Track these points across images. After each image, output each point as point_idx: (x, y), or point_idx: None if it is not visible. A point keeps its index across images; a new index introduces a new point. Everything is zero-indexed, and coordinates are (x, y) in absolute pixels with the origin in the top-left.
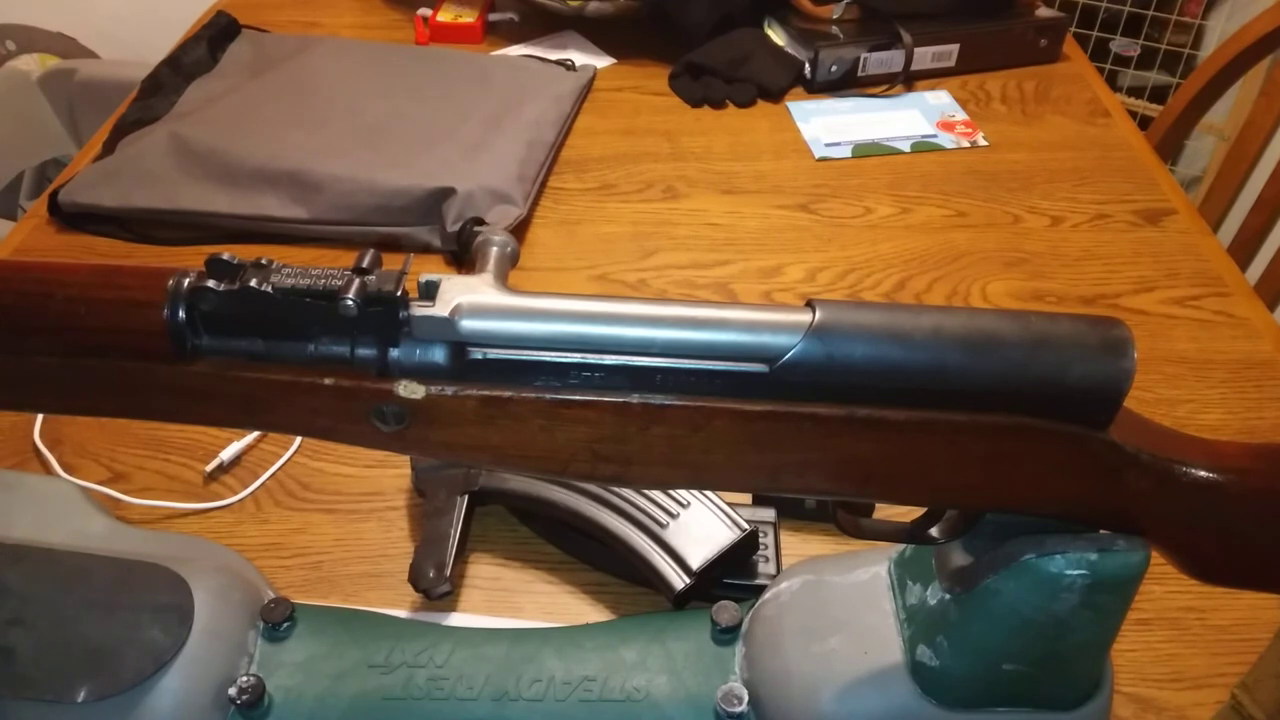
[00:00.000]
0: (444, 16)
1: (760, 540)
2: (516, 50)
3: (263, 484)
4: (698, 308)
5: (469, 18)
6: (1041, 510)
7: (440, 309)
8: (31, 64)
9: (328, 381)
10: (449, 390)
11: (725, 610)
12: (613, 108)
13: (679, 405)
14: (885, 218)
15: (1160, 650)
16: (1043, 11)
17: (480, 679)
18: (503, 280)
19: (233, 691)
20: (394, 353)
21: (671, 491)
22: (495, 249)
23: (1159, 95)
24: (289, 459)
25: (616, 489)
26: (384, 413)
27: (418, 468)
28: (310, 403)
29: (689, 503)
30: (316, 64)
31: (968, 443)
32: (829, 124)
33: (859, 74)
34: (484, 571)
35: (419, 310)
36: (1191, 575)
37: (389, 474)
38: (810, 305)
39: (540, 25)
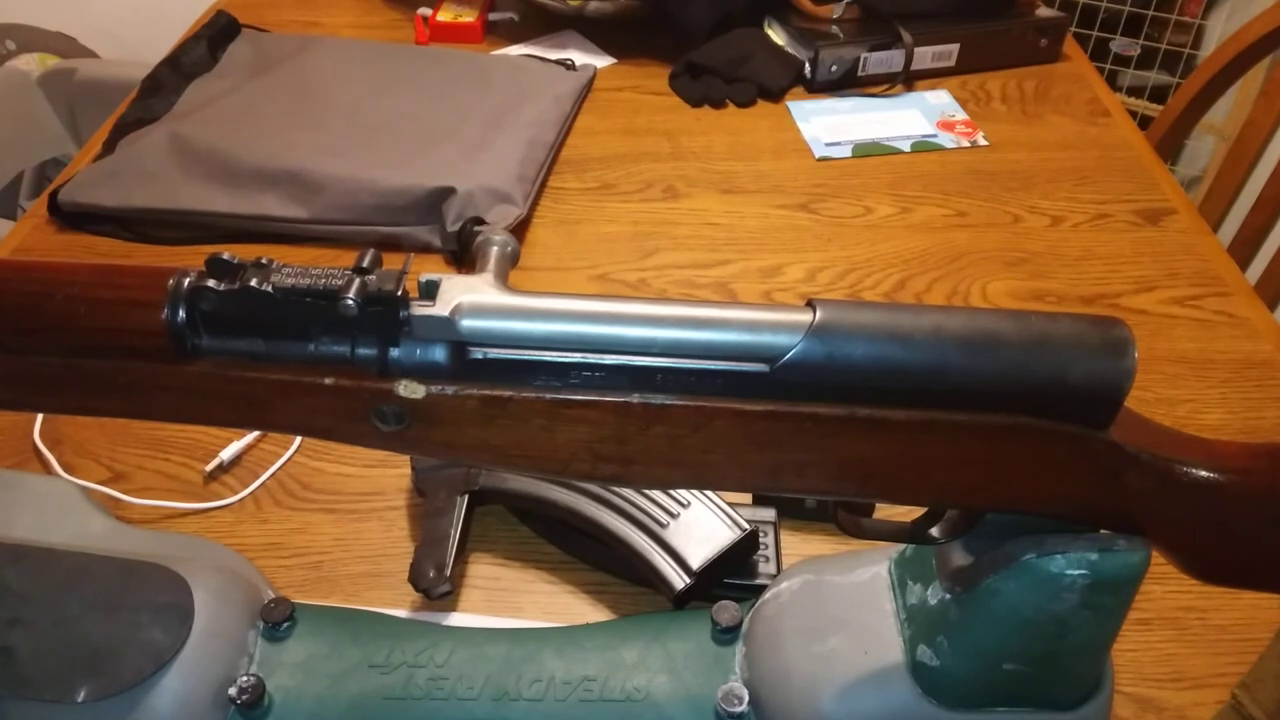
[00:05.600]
0: (444, 16)
1: (760, 540)
2: (516, 50)
3: (263, 484)
4: (698, 307)
5: (469, 17)
6: (1042, 510)
7: (440, 309)
8: (31, 63)
9: (328, 381)
10: (449, 390)
11: (725, 610)
12: (613, 107)
13: (679, 405)
14: (885, 217)
15: (1160, 650)
16: (1043, 11)
17: (480, 679)
18: (503, 280)
19: (233, 691)
20: (394, 352)
21: (672, 491)
22: (495, 249)
23: (1159, 95)
24: (289, 459)
25: (616, 489)
26: (384, 412)
27: (418, 467)
28: (310, 402)
29: (689, 502)
30: (316, 64)
31: (968, 443)
32: (829, 124)
33: (859, 74)
34: (484, 571)
35: (419, 310)
36: (1192, 575)
37: (389, 474)
38: (811, 305)
39: (540, 25)
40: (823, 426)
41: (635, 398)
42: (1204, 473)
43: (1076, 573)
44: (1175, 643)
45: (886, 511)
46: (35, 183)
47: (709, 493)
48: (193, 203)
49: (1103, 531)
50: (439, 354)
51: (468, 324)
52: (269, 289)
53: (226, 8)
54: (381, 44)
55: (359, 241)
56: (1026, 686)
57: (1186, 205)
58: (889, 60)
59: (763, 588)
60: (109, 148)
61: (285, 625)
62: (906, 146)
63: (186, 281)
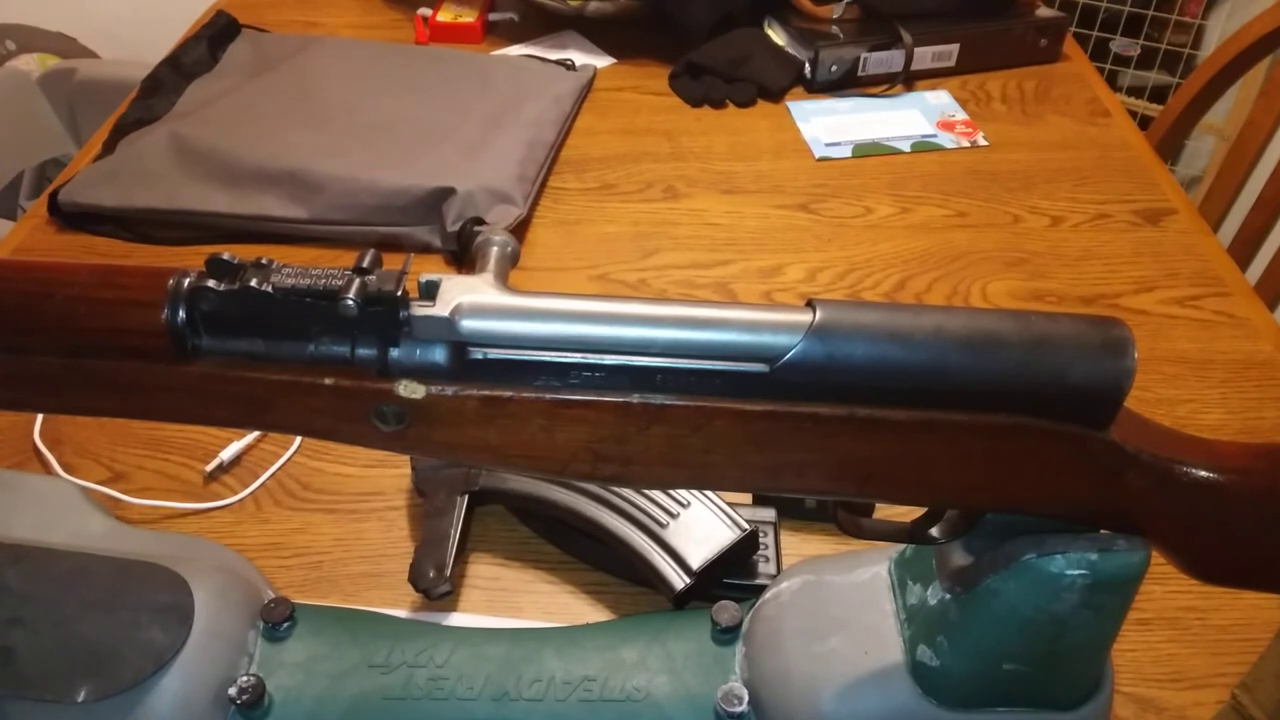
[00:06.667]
0: (444, 16)
1: (760, 540)
2: (516, 50)
3: (263, 484)
4: (698, 308)
5: (469, 17)
6: (1042, 510)
7: (440, 309)
8: (31, 64)
9: (328, 381)
10: (449, 390)
11: (725, 610)
12: (613, 107)
13: (679, 405)
14: (885, 218)
15: (1160, 650)
16: (1043, 11)
17: (480, 679)
18: (503, 280)
19: (233, 691)
20: (394, 353)
21: (671, 491)
22: (495, 249)
23: (1159, 95)
24: (289, 459)
25: (616, 489)
26: (384, 413)
27: (418, 468)
28: (310, 403)
29: (689, 503)
30: (316, 64)
31: (968, 443)
32: (829, 124)
33: (859, 74)
34: (484, 571)
35: (419, 310)
36: (1192, 575)
37: (389, 474)
38: (811, 305)
39: (540, 25)
40: (822, 426)
41: (635, 398)
42: (1204, 473)
43: (1076, 573)
44: (1175, 643)
45: (886, 511)
46: (35, 183)
47: (709, 493)
48: (193, 203)
49: (1103, 531)
50: (439, 354)
51: (468, 324)
52: (269, 289)
53: (226, 8)
54: (381, 44)
55: (359, 241)
56: (1026, 686)
57: (1186, 205)
58: (889, 60)
59: (763, 588)
60: (109, 148)
61: (285, 625)
62: (906, 146)
63: (186, 282)
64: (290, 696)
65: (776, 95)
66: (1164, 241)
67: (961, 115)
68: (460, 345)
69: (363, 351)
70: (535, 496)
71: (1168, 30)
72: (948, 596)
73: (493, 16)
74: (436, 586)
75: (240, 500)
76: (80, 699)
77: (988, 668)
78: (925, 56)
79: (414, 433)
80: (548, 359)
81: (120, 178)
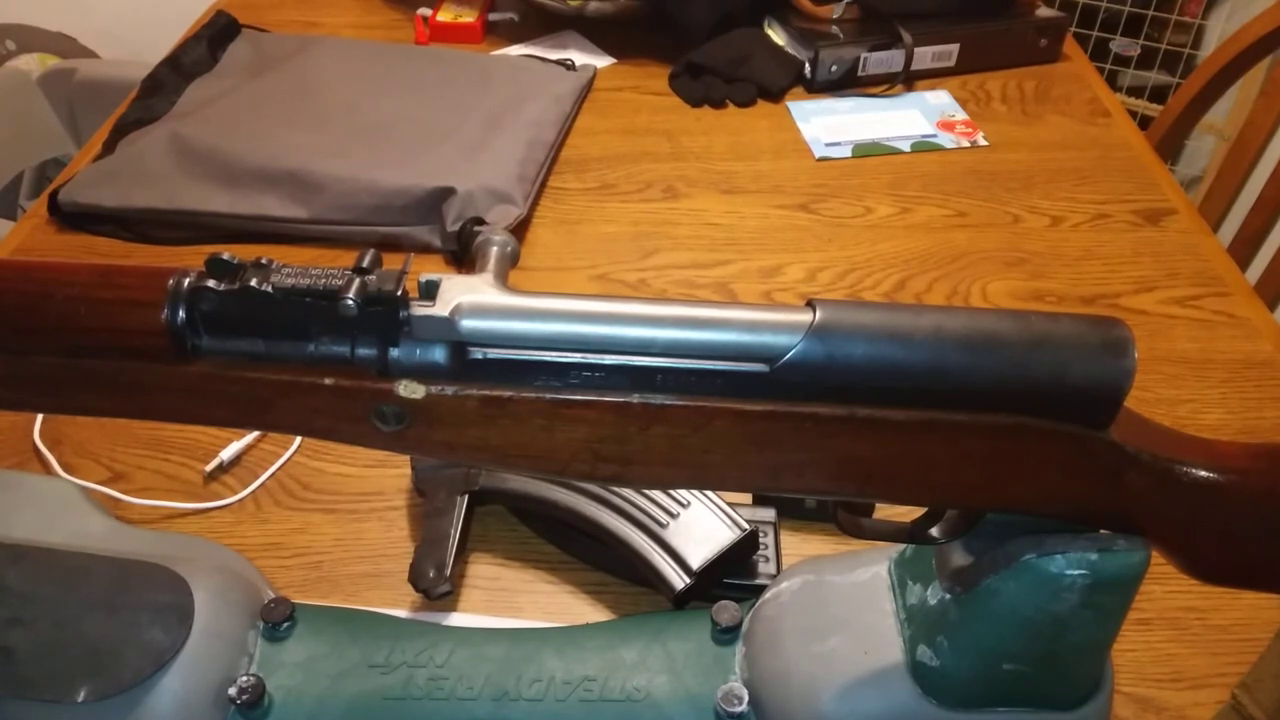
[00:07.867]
0: (444, 16)
1: (760, 540)
2: (516, 50)
3: (263, 484)
4: (698, 308)
5: (469, 17)
6: (1042, 510)
7: (440, 309)
8: (31, 64)
9: (328, 381)
10: (449, 390)
11: (725, 610)
12: (613, 107)
13: (679, 405)
14: (885, 217)
15: (1160, 650)
16: (1043, 11)
17: (480, 679)
18: (503, 280)
19: (233, 691)
20: (394, 352)
21: (671, 491)
22: (495, 249)
23: (1159, 95)
24: (289, 459)
25: (616, 489)
26: (384, 413)
27: (418, 467)
28: (310, 403)
29: (689, 503)
30: (316, 64)
31: (968, 443)
32: (829, 124)
33: (859, 74)
34: (484, 571)
35: (419, 310)
36: (1191, 575)
37: (389, 474)
38: (811, 305)
39: (540, 25)
40: (822, 426)
41: (635, 398)
42: (1204, 473)
43: (1076, 573)
44: (1175, 643)
45: (886, 511)
46: (35, 183)
47: (709, 493)
48: (193, 203)
49: (1103, 531)
50: (439, 354)
51: (468, 324)
52: (269, 289)
53: (226, 8)
54: (381, 44)
55: (359, 241)
56: (1026, 686)
57: (1186, 205)
58: (889, 60)
59: (763, 588)
60: (109, 148)
61: (285, 625)
62: (906, 146)
63: (186, 281)
64: (290, 696)
65: (776, 95)
66: (1164, 241)
67: (961, 115)
68: (460, 345)
69: (363, 351)
70: (535, 496)
71: (1168, 30)
72: (948, 596)
73: (493, 16)
74: (436, 586)
75: (240, 500)
76: (80, 699)
77: (988, 668)
78: (925, 56)
79: (414, 433)
80: (548, 359)
81: (120, 178)
